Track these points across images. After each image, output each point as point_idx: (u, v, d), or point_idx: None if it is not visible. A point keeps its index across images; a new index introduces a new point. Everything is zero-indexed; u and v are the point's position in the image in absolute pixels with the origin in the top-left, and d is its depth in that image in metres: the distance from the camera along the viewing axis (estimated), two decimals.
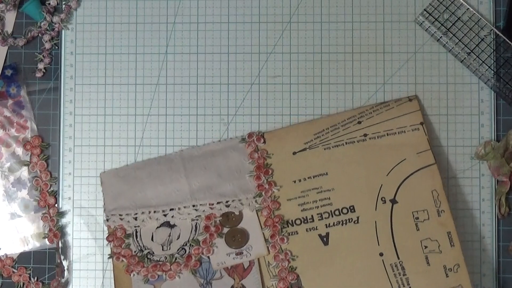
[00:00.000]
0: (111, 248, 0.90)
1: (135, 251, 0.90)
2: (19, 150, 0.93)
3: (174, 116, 0.93)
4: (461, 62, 0.92)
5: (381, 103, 0.91)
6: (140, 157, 0.92)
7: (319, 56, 0.93)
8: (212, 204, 0.89)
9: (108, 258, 0.91)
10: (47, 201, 0.92)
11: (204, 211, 0.89)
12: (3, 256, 0.93)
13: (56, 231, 0.92)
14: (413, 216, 0.88)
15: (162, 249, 0.90)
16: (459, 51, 0.92)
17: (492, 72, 0.91)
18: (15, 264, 0.93)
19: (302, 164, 0.90)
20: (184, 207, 0.90)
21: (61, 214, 0.92)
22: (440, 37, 0.92)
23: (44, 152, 0.93)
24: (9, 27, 0.94)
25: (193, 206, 0.90)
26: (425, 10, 0.92)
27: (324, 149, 0.90)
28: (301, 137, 0.90)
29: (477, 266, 0.90)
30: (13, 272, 0.92)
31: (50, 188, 0.93)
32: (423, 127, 0.89)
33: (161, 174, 0.90)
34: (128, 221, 0.90)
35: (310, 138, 0.90)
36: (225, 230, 0.90)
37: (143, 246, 0.90)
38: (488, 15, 0.92)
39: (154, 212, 0.90)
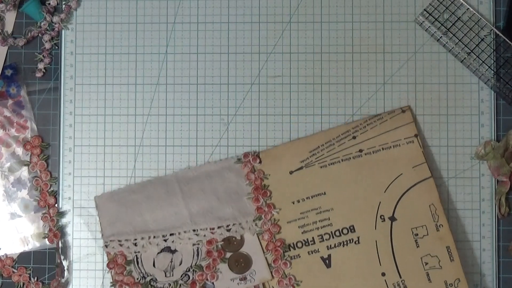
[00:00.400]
0: (112, 276, 0.90)
1: (137, 278, 0.89)
2: (19, 150, 0.93)
3: (174, 116, 0.93)
4: (461, 62, 0.92)
5: (375, 115, 0.91)
6: (140, 157, 0.92)
7: (319, 56, 0.92)
8: (213, 229, 0.89)
9: (111, 286, 0.90)
10: (47, 201, 0.92)
11: (205, 235, 0.89)
12: (3, 256, 0.92)
13: (56, 231, 0.92)
14: (413, 232, 0.88)
15: (165, 275, 0.89)
16: (459, 51, 0.91)
17: (492, 72, 0.91)
18: (15, 264, 0.93)
19: (299, 183, 0.89)
20: (184, 231, 0.89)
21: (61, 214, 0.92)
22: (440, 37, 0.92)
23: (44, 152, 0.93)
24: (9, 27, 0.94)
25: (194, 230, 0.89)
26: (425, 10, 0.92)
27: (321, 167, 0.89)
28: (296, 155, 0.90)
29: (477, 266, 0.90)
30: (13, 272, 0.92)
31: (50, 188, 0.93)
32: (418, 139, 0.89)
33: (158, 198, 0.90)
34: (128, 247, 0.90)
35: (305, 156, 0.90)
36: (228, 254, 0.89)
37: (146, 272, 0.90)
38: (488, 15, 0.92)
39: (154, 237, 0.89)
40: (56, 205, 0.92)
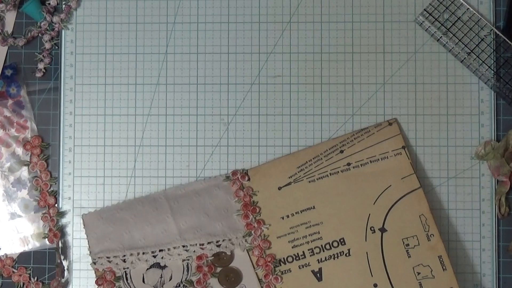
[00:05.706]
0: None
1: None
2: (19, 150, 0.93)
3: (174, 116, 0.93)
4: (461, 62, 0.92)
5: (362, 129, 0.91)
6: (140, 157, 0.92)
7: (319, 56, 0.93)
8: (203, 244, 0.89)
9: None
10: (47, 201, 0.92)
11: (194, 251, 0.89)
12: (3, 256, 0.93)
13: (56, 231, 0.92)
14: (404, 243, 0.88)
15: None
16: (459, 51, 0.92)
17: (492, 72, 0.91)
18: (15, 264, 0.93)
19: (288, 199, 0.90)
20: (174, 247, 0.89)
21: (61, 214, 0.92)
22: (440, 37, 0.92)
23: (44, 152, 0.93)
24: (9, 27, 0.94)
25: (183, 246, 0.89)
26: (425, 10, 0.92)
27: (309, 182, 0.90)
28: (285, 171, 0.90)
29: (477, 266, 0.90)
30: (13, 272, 0.92)
31: (50, 188, 0.93)
32: (405, 151, 0.89)
33: (147, 215, 0.90)
34: (117, 263, 0.89)
35: (294, 171, 0.90)
36: (218, 269, 0.89)
37: None
38: (488, 15, 0.92)
39: (143, 253, 0.89)
40: (56, 205, 0.92)
